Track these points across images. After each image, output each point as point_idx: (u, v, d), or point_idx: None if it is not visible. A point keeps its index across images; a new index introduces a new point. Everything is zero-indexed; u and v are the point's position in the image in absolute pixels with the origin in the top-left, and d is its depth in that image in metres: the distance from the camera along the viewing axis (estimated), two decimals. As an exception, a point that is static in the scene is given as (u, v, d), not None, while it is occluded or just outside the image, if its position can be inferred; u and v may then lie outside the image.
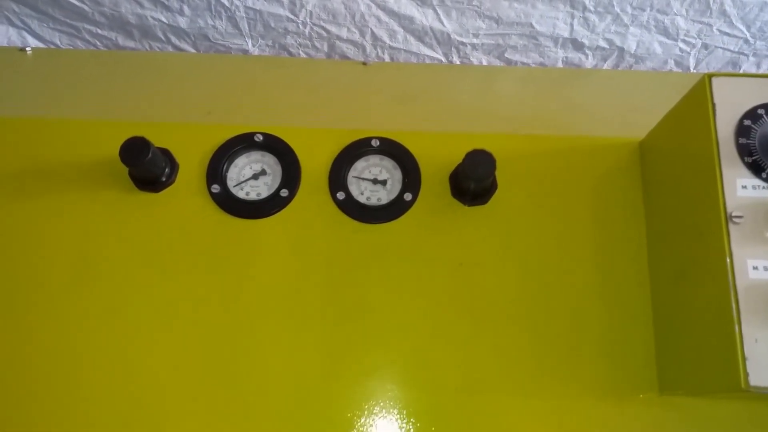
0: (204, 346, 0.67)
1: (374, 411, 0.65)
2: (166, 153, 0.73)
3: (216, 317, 0.69)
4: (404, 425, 0.65)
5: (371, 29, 1.26)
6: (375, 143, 0.74)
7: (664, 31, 1.08)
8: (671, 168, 0.66)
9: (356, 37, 1.29)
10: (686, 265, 0.60)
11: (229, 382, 0.66)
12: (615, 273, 0.69)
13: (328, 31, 1.27)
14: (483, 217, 0.72)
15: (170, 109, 0.81)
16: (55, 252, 0.70)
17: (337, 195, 0.73)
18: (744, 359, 0.51)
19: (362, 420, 0.65)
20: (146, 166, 0.69)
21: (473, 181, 0.67)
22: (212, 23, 1.23)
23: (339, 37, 1.29)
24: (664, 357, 0.65)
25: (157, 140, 0.70)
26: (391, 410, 0.65)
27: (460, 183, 0.70)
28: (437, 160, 0.72)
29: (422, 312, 0.69)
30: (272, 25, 1.24)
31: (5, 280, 0.69)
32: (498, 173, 0.69)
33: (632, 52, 1.09)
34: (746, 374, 0.51)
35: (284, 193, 0.73)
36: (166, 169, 0.73)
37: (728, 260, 0.53)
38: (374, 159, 0.74)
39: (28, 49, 0.97)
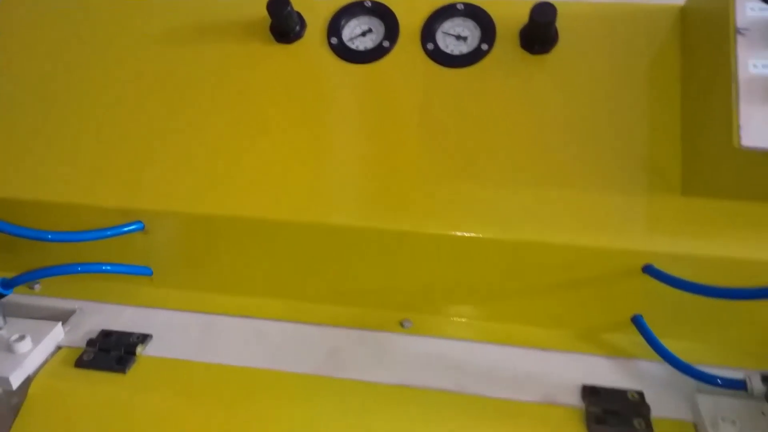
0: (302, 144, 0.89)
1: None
2: (298, 13, 0.95)
3: (330, 135, 0.90)
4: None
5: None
6: (460, 7, 0.93)
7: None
8: (703, 19, 0.82)
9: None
10: (709, 77, 0.77)
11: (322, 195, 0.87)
12: (649, 98, 0.85)
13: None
14: (544, 65, 0.90)
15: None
16: (214, 84, 0.93)
17: (427, 46, 0.92)
18: (738, 127, 0.67)
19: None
20: (285, 17, 0.91)
21: (539, 25, 0.85)
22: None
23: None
24: (687, 161, 0.81)
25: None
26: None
27: (528, 32, 0.89)
28: (511, 21, 0.91)
29: (490, 134, 0.87)
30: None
31: (173, 102, 0.93)
32: (559, 31, 0.87)
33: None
34: (739, 137, 0.67)
35: (386, 44, 0.93)
36: (297, 27, 0.95)
37: (734, 61, 0.70)
38: (458, 20, 0.94)
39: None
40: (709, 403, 0.73)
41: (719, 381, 0.76)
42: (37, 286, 0.95)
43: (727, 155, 0.72)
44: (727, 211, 0.80)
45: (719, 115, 0.73)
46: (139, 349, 0.84)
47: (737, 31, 0.71)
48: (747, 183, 0.77)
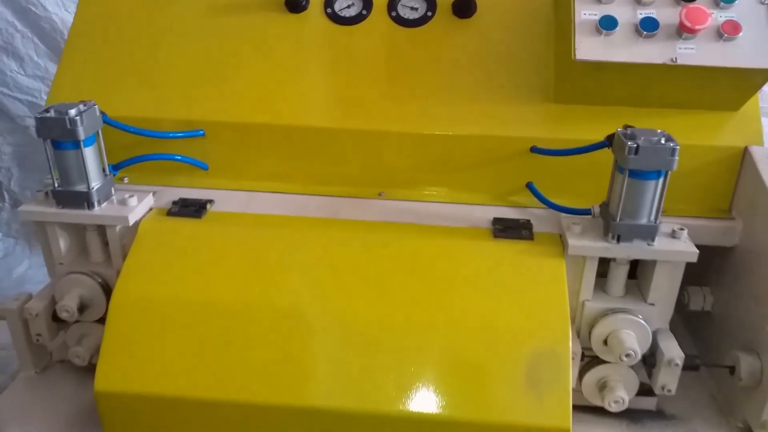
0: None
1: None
2: (305, -10, 1.42)
3: (326, 72, 1.37)
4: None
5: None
6: (413, -13, 1.42)
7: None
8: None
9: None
10: (565, 22, 1.26)
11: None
12: (535, 42, 1.34)
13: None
14: (468, 25, 1.39)
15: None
16: (247, 41, 1.39)
17: (392, 13, 1.40)
18: (575, 48, 1.16)
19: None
20: (297, -6, 1.39)
21: (465, 0, 1.34)
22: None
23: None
24: (558, 81, 1.30)
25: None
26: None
27: (457, 4, 1.37)
28: (447, -2, 1.40)
29: (432, 71, 1.35)
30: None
31: (219, 53, 1.40)
32: (477, 3, 1.37)
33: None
34: (575, 53, 1.16)
35: (364, 12, 1.41)
36: (304, 2, 1.42)
37: (573, 10, 1.19)
38: (413, -4, 1.42)
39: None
40: (569, 220, 1.21)
41: (576, 210, 1.24)
42: (126, 179, 1.38)
43: (574, 69, 1.21)
44: (580, 111, 1.29)
45: (569, 46, 1.22)
46: (208, 206, 1.28)
47: (576, -7, 1.21)
48: (589, 91, 1.27)
